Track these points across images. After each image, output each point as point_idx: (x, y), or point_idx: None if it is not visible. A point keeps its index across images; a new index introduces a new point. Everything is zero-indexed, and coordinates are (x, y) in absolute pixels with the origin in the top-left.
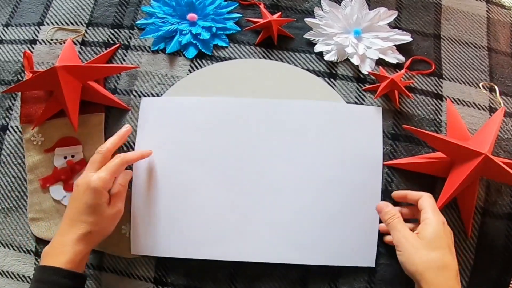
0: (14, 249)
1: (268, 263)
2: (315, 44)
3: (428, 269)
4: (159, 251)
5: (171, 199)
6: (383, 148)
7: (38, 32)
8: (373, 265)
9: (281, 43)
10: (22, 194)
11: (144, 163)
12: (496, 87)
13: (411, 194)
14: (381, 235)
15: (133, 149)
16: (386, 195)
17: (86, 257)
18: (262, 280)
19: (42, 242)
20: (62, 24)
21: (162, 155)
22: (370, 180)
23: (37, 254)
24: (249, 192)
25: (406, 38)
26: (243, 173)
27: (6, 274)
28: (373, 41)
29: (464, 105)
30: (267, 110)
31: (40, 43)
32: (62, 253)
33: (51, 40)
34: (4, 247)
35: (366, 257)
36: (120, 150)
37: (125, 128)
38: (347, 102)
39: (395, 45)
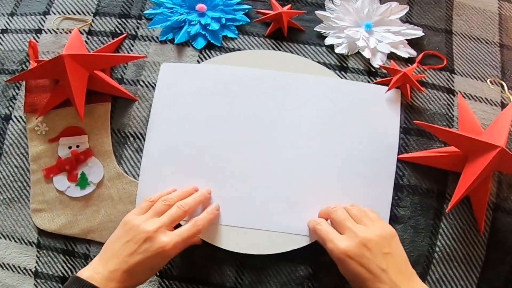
0: (15, 241)
1: (275, 257)
2: (326, 37)
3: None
4: None
5: (182, 162)
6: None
7: (44, 22)
8: None
9: (291, 35)
10: (25, 184)
11: (158, 125)
12: (503, 83)
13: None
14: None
15: (144, 138)
16: (397, 189)
17: None
18: (269, 274)
19: (44, 234)
20: (69, 14)
21: (176, 118)
22: (383, 158)
23: (39, 246)
24: (260, 160)
25: (418, 32)
26: (255, 141)
27: (7, 266)
28: (384, 35)
29: (476, 100)
30: (284, 82)
31: (46, 32)
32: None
33: (57, 29)
34: (5, 239)
35: None
36: (126, 139)
37: (207, 192)
38: None
39: (406, 39)
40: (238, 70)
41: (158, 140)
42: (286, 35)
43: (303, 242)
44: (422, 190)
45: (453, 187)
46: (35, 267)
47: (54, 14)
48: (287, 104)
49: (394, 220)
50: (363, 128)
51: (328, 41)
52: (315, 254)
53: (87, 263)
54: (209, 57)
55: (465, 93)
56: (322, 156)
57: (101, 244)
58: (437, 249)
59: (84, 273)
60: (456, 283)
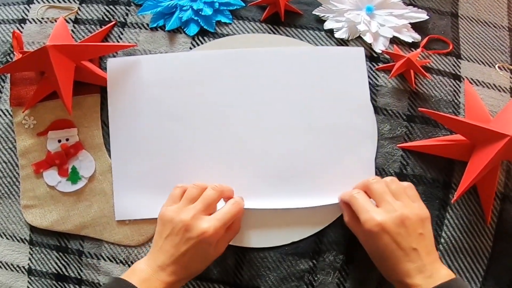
0: (7, 238)
1: (275, 250)
2: (325, 21)
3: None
4: (146, 213)
5: (153, 157)
6: (398, 130)
7: (28, 11)
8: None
9: (288, 19)
10: (14, 180)
11: (120, 124)
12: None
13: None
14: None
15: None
16: (401, 179)
17: None
18: (269, 268)
19: (36, 230)
20: (54, 2)
21: (138, 114)
22: (361, 120)
23: (32, 243)
24: (235, 142)
25: (422, 16)
26: (226, 125)
27: (0, 264)
28: (386, 18)
29: (483, 87)
30: (243, 60)
31: (30, 22)
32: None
33: (42, 18)
34: None
35: None
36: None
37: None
38: None
39: (410, 23)
40: (195, 55)
41: (123, 137)
42: (283, 19)
43: (304, 234)
44: (426, 180)
45: (459, 177)
46: (28, 264)
47: (38, 2)
48: (257, 81)
49: None
50: (336, 92)
51: (327, 25)
52: (315, 247)
53: (81, 260)
54: (203, 44)
55: (472, 79)
56: (302, 127)
57: (95, 239)
58: (442, 240)
59: (138, 266)
60: (462, 275)
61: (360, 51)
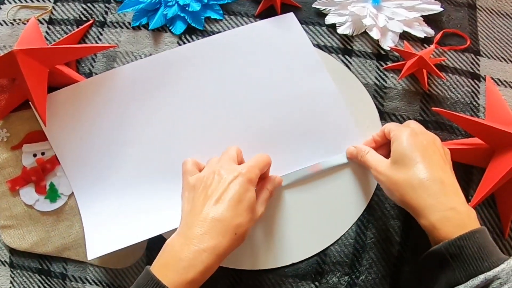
0: None
1: (274, 272)
2: (326, 14)
3: (404, 188)
4: (127, 240)
5: (119, 179)
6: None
7: None
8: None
9: (285, 13)
10: None
11: (72, 162)
12: None
13: (377, 136)
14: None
15: None
16: None
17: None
18: None
19: (16, 253)
20: (26, 1)
21: (89, 147)
22: (319, 81)
23: (12, 266)
24: (211, 140)
25: (436, 8)
26: (189, 127)
27: None
28: (395, 11)
29: (506, 86)
30: (185, 58)
31: (1, 24)
32: (192, 266)
33: (14, 20)
34: None
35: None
36: None
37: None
38: (365, 83)
39: (422, 16)
40: (125, 68)
41: (85, 184)
42: (280, 13)
43: (305, 254)
44: None
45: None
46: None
47: (10, 3)
48: (209, 74)
49: (407, 225)
50: (287, 63)
51: (329, 19)
52: (318, 268)
53: (65, 284)
54: (189, 42)
55: (492, 78)
56: (271, 103)
57: (78, 262)
58: None
59: (174, 246)
60: None
61: (290, 15)
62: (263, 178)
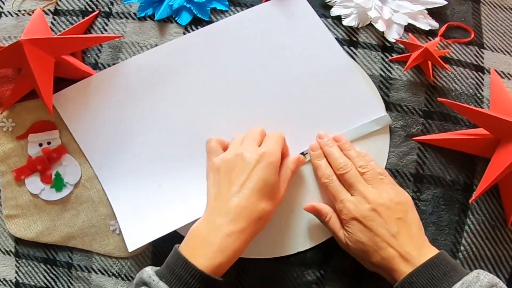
0: None
1: (280, 261)
2: (332, 6)
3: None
4: (162, 230)
5: (144, 167)
6: (414, 128)
7: (3, 3)
8: (385, 113)
9: None
10: None
11: (100, 158)
12: None
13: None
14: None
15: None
16: (417, 180)
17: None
18: (274, 279)
19: (22, 242)
20: None
21: (115, 142)
22: (333, 56)
23: (18, 255)
24: (233, 123)
25: (440, 1)
26: (209, 110)
27: None
28: (400, 3)
29: (509, 79)
30: (203, 40)
31: (6, 15)
32: (219, 251)
33: (19, 11)
34: None
35: (374, 110)
36: None
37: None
38: (370, 75)
39: (426, 9)
40: (140, 58)
41: (114, 177)
42: None
43: (310, 244)
44: (446, 182)
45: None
46: (15, 277)
47: None
48: (225, 59)
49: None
50: (300, 42)
51: (334, 11)
52: (323, 256)
53: (71, 273)
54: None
55: (496, 71)
56: (285, 84)
57: (84, 251)
58: (462, 248)
59: (199, 232)
60: None
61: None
62: (282, 156)
